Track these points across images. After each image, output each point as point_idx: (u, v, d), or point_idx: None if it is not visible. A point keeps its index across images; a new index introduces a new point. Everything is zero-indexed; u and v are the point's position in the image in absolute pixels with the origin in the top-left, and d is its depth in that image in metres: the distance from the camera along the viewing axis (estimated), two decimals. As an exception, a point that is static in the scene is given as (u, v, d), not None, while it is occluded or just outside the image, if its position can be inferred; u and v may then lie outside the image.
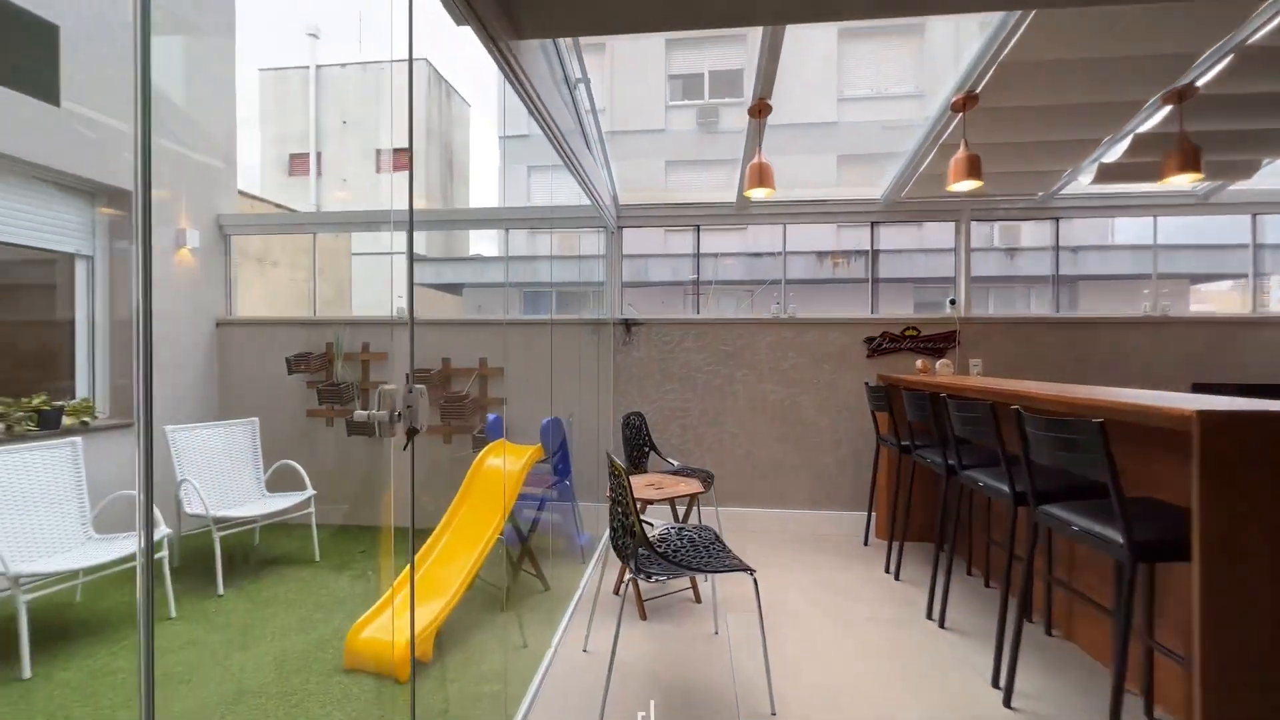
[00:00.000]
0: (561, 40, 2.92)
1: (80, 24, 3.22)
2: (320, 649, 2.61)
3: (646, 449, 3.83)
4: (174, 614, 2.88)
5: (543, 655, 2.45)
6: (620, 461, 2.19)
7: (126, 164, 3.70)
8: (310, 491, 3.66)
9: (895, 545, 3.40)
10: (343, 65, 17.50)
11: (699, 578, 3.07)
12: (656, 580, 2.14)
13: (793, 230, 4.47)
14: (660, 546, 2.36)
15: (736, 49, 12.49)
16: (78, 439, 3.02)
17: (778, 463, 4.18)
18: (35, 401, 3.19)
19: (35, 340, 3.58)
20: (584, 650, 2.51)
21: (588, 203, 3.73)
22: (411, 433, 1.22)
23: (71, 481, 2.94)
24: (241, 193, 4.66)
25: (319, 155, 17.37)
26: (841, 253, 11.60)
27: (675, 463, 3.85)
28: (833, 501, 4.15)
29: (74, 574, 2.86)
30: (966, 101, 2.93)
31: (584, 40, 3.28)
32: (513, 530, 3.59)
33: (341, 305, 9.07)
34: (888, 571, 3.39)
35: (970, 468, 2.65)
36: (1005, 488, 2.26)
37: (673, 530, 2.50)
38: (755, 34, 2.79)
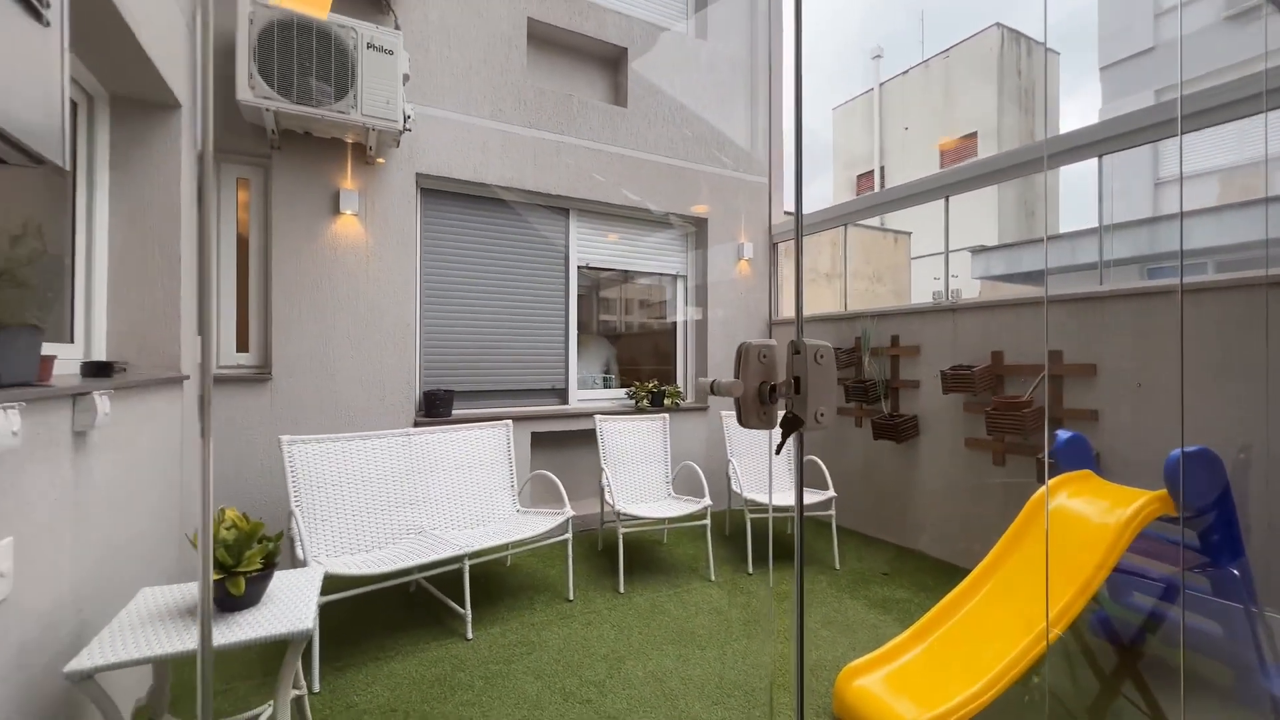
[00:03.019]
0: None
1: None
2: (815, 674, 2.28)
3: None
4: (713, 578, 3.23)
5: None
6: None
7: (699, 194, 4.60)
8: (831, 493, 3.45)
9: None
10: (904, 72, 17.48)
11: None
12: None
13: None
14: None
15: None
16: (667, 415, 3.85)
17: None
18: (650, 385, 4.30)
19: (666, 341, 4.86)
20: None
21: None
22: (790, 425, 0.66)
23: (661, 448, 3.77)
24: (786, 212, 5.04)
25: (882, 169, 17.96)
26: None
27: None
28: None
29: (659, 521, 3.64)
30: None
31: None
32: (1102, 620, 2.28)
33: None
34: None
35: None
36: None
37: None
38: None
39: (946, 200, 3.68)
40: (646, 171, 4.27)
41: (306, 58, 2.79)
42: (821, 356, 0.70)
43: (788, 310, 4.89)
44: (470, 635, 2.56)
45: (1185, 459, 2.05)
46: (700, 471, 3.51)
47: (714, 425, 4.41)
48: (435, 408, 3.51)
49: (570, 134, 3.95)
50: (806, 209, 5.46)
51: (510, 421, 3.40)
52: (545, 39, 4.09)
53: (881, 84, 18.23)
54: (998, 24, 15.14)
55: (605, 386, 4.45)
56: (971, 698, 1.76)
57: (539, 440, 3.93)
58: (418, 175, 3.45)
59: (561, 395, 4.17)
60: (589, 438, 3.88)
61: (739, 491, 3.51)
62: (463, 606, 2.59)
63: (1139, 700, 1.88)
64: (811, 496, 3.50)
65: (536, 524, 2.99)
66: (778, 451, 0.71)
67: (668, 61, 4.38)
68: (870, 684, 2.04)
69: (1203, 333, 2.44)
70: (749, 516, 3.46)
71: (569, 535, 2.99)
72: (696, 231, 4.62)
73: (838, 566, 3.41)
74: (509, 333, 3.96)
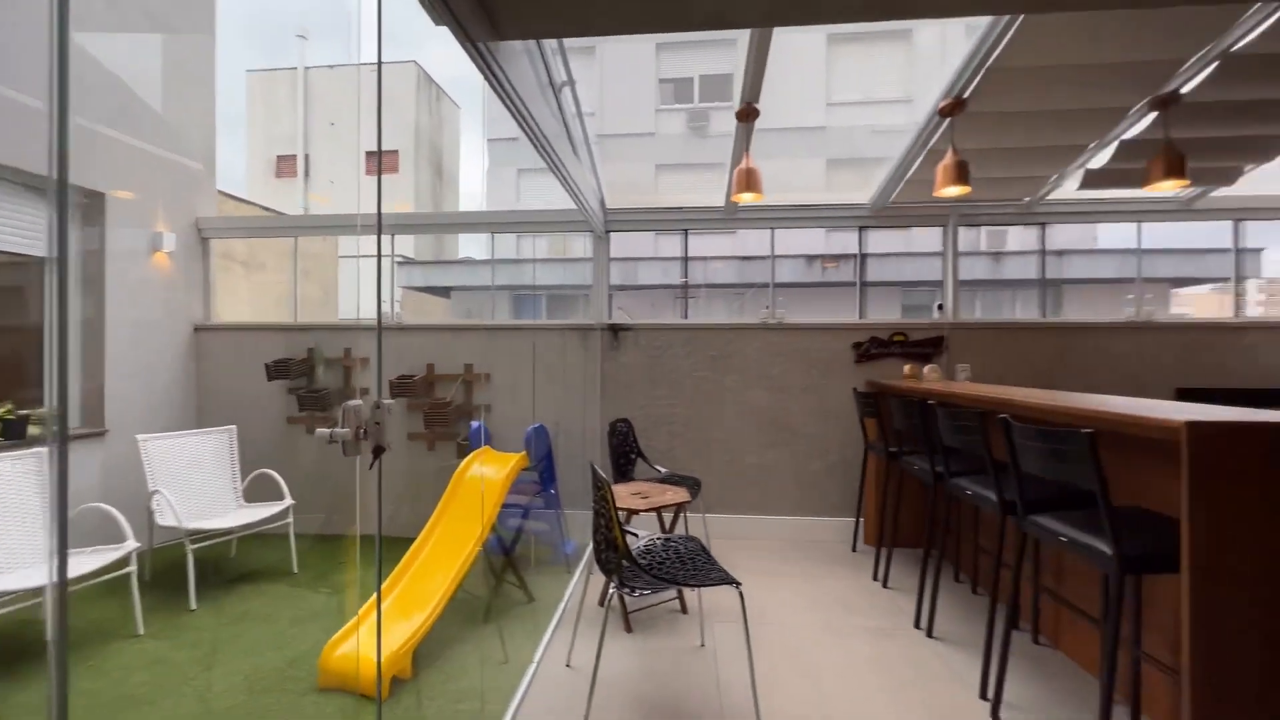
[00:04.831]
0: (546, 42, 2.88)
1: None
2: (294, 666, 2.53)
3: (634, 456, 3.79)
4: (141, 630, 2.79)
5: (524, 671, 2.39)
6: (604, 471, 2.15)
7: (100, 164, 3.61)
8: (289, 501, 3.57)
9: (884, 551, 3.38)
10: (331, 67, 17.33)
11: (685, 589, 3.02)
12: (640, 594, 2.09)
13: (782, 234, 4.45)
14: (644, 559, 2.31)
15: (726, 53, 12.53)
16: (40, 450, 2.92)
17: (766, 469, 4.15)
18: (0, 411, 3.08)
19: (24, 347, 3.46)
20: (567, 665, 2.46)
21: (574, 206, 3.69)
22: (378, 451, 1.16)
23: (37, 494, 2.84)
24: (222, 193, 4.57)
25: (306, 157, 17.18)
26: (831, 257, 11.61)
27: (663, 470, 3.80)
28: (821, 508, 4.12)
29: (37, 591, 2.76)
30: (954, 107, 2.92)
31: (573, 43, 3.24)
32: (496, 540, 3.53)
33: (328, 308, 8.94)
34: (876, 579, 3.36)
35: (958, 475, 2.62)
36: (993, 496, 2.24)
37: (658, 541, 2.45)
38: (744, 37, 2.76)
39: (393, 237, 4.41)
40: (-11, 107, 2.99)
41: None
42: (390, 410, 1.22)
43: (223, 316, 4.44)
44: None
45: (534, 432, 3.53)
46: (114, 511, 2.90)
47: (119, 453, 3.55)
48: None
49: None
50: (220, 183, 4.93)
51: None
52: None
53: (307, 68, 17.40)
54: (416, 63, 17.32)
55: (-117, 417, 2.83)
56: (430, 613, 2.53)
57: None
58: None
59: None
60: None
61: (175, 524, 3.12)
62: None
63: (515, 581, 3.16)
64: (267, 510, 3.51)
65: None
66: (370, 467, 1.16)
67: (32, -33, 3.19)
68: (350, 649, 2.50)
69: (544, 355, 4.13)
70: (189, 547, 3.13)
71: None
72: (88, 204, 3.55)
73: (295, 570, 3.57)
74: None
